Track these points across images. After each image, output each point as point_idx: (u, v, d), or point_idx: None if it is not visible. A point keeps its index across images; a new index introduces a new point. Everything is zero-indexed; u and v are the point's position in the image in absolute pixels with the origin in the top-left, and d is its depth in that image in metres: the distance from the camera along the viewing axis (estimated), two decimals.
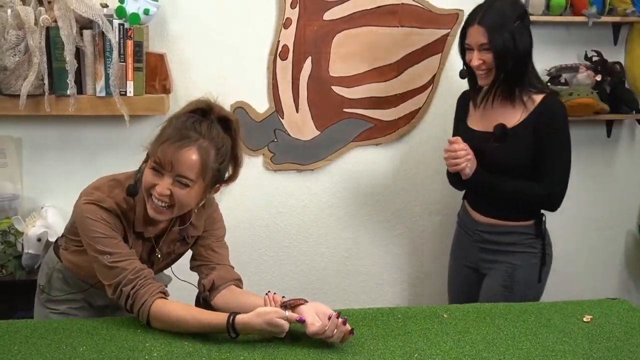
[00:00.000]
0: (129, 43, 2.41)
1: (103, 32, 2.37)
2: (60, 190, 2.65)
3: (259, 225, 2.86)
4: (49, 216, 2.53)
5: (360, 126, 2.81)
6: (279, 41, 2.69)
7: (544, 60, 2.84)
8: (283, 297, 1.65)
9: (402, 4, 2.72)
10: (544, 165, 2.10)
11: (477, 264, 2.30)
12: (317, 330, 1.55)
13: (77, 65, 2.39)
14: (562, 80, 2.80)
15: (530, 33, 2.11)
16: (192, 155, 1.57)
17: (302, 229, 2.89)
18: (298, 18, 2.67)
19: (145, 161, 1.66)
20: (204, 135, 1.59)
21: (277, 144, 2.78)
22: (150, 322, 1.62)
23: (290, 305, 1.61)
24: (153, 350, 1.53)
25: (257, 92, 2.73)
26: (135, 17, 2.39)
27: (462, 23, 2.20)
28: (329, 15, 2.70)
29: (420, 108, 2.83)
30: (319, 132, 2.79)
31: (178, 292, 1.86)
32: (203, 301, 1.76)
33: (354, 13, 2.71)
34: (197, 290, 1.80)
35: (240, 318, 1.56)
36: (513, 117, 2.13)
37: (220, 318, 1.58)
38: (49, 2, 2.37)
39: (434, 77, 2.81)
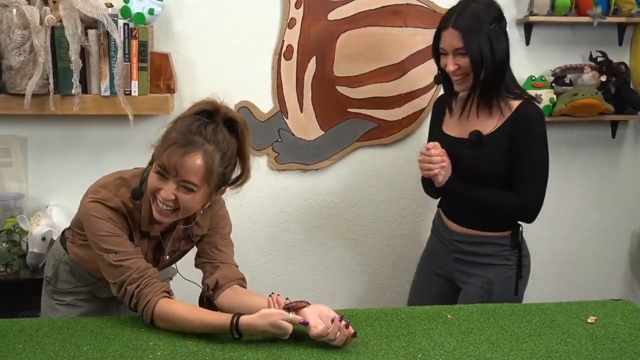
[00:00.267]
0: (134, 43, 2.42)
1: (108, 32, 2.37)
2: (65, 189, 2.66)
3: (263, 224, 2.86)
4: (53, 215, 2.53)
5: (365, 126, 2.81)
6: (283, 41, 2.69)
7: (548, 61, 2.85)
8: (287, 299, 1.65)
9: (406, 4, 2.72)
10: (519, 173, 2.01)
11: (452, 274, 2.21)
12: (320, 333, 1.55)
13: (81, 64, 2.39)
14: (567, 81, 2.80)
15: (507, 36, 2.01)
16: (196, 161, 1.56)
17: (306, 229, 2.90)
18: (302, 18, 2.68)
19: (151, 163, 1.66)
20: (209, 140, 1.57)
21: (281, 143, 2.78)
22: (154, 321, 1.62)
23: (293, 307, 1.60)
24: (157, 349, 1.54)
25: (261, 92, 2.73)
26: (140, 16, 2.39)
27: None
28: (333, 15, 2.70)
29: (424, 108, 2.82)
30: (323, 132, 2.79)
31: (182, 287, 1.87)
32: (207, 300, 1.76)
33: (358, 13, 2.71)
34: (200, 287, 1.80)
35: (244, 319, 1.55)
36: (489, 123, 2.03)
37: (224, 319, 1.58)
38: (54, 2, 2.38)
39: None
